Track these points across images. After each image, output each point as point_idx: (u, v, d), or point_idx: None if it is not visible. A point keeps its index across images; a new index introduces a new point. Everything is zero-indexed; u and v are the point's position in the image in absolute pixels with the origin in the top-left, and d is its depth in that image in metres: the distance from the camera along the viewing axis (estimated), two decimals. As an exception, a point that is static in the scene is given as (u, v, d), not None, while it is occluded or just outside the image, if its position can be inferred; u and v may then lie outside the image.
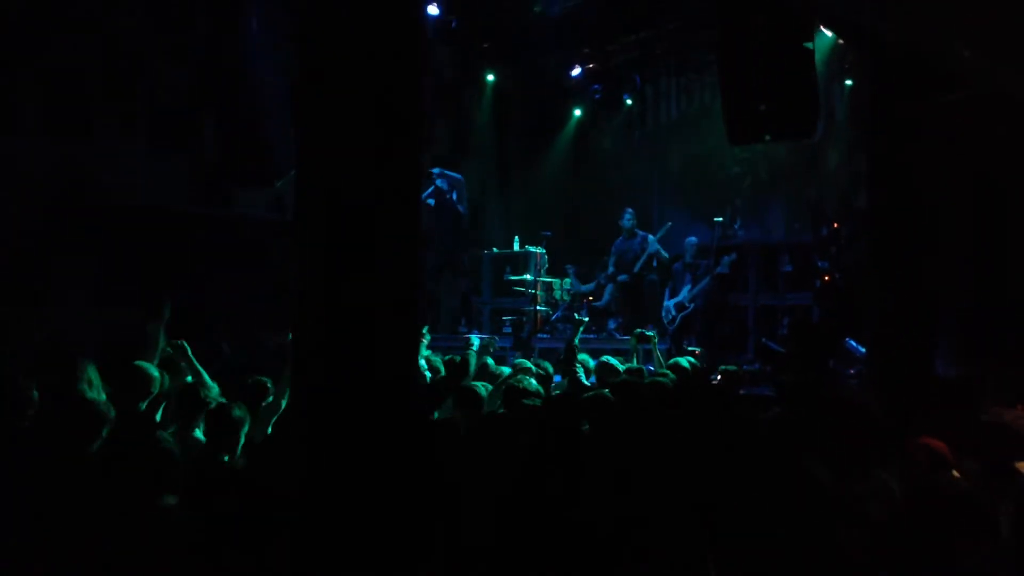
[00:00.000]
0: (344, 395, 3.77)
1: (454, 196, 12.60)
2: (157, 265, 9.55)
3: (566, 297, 13.03)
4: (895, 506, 3.84)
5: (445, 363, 7.27)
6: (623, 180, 15.57)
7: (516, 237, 13.63)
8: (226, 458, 4.42)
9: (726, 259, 12.00)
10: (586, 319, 9.63)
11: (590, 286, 13.24)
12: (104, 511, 3.45)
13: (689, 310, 12.01)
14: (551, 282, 13.04)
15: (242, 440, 4.64)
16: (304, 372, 4.01)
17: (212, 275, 9.81)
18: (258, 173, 10.83)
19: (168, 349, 5.71)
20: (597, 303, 12.74)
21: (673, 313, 12.09)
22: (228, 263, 10.09)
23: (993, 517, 3.52)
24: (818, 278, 12.33)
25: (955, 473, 4.18)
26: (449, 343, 10.68)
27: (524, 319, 12.50)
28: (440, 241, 12.71)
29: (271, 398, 5.53)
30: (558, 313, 12.80)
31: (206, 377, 5.45)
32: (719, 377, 7.35)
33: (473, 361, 7.13)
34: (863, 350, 9.98)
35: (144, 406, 4.94)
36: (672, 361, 7.58)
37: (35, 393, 4.44)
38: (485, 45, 14.19)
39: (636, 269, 12.32)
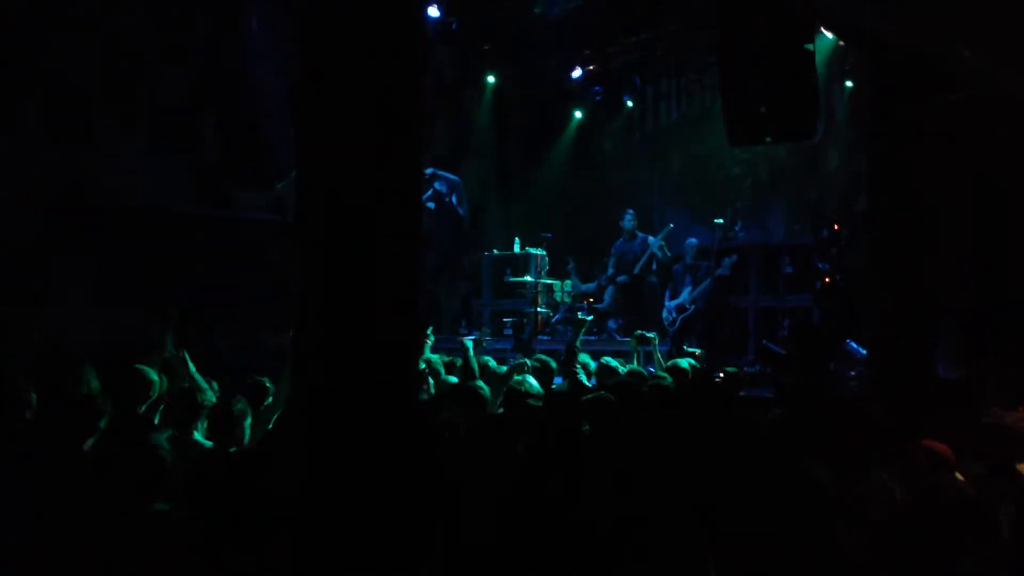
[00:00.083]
0: (344, 395, 3.77)
1: (453, 199, 12.60)
2: (157, 266, 9.57)
3: (566, 299, 13.02)
4: (895, 507, 3.84)
5: (446, 364, 7.27)
6: (623, 181, 15.57)
7: (516, 239, 13.62)
8: (233, 450, 4.42)
9: (727, 261, 12.00)
10: (589, 318, 9.61)
11: (591, 286, 13.23)
12: (103, 511, 3.44)
13: (690, 312, 12.01)
14: (551, 284, 13.03)
15: (248, 433, 4.64)
16: (304, 372, 4.01)
17: (212, 276, 9.81)
18: (258, 174, 10.83)
19: (172, 350, 5.72)
20: (598, 305, 12.73)
21: (674, 315, 12.09)
22: (228, 264, 10.09)
23: (994, 518, 3.52)
24: (819, 280, 12.33)
25: (957, 475, 4.18)
26: (450, 345, 10.66)
27: (525, 321, 12.49)
28: (440, 243, 12.71)
29: (271, 399, 5.53)
30: (559, 315, 12.80)
31: (202, 382, 5.45)
32: (721, 376, 7.35)
33: (474, 363, 7.11)
34: (864, 352, 9.98)
35: (143, 409, 4.94)
36: (671, 363, 7.57)
37: (33, 396, 4.45)
38: (485, 46, 14.18)
39: (636, 271, 12.32)
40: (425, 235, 11.27)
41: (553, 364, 7.23)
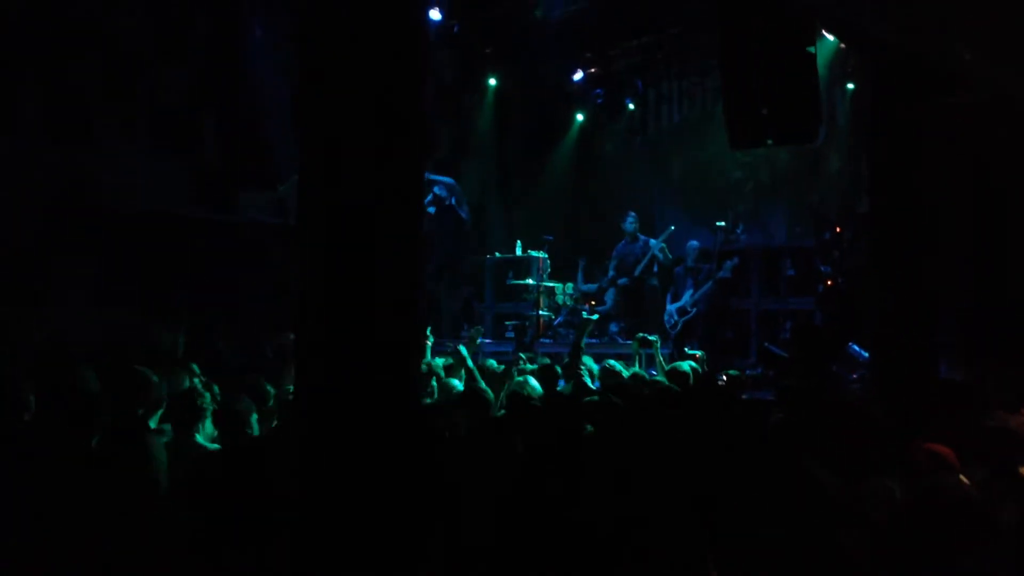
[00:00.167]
0: (344, 395, 3.77)
1: (453, 201, 12.59)
2: (157, 267, 9.58)
3: (568, 302, 13.02)
4: (895, 508, 3.83)
5: (448, 367, 7.27)
6: (625, 184, 15.59)
7: (518, 242, 13.63)
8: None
9: (728, 263, 12.01)
10: (595, 317, 9.59)
11: (591, 287, 13.22)
12: (103, 511, 3.44)
13: (691, 314, 12.01)
14: (553, 286, 13.03)
15: (256, 429, 4.64)
16: (305, 372, 4.01)
17: (211, 277, 9.82)
18: (259, 175, 10.84)
19: (181, 353, 5.74)
20: (600, 307, 12.72)
21: (675, 318, 12.08)
22: (228, 265, 10.10)
23: (995, 519, 3.51)
24: (820, 282, 12.33)
25: (962, 478, 4.17)
26: (451, 348, 10.66)
27: (527, 324, 12.49)
28: (441, 246, 12.71)
29: (271, 402, 5.54)
30: (560, 318, 12.79)
31: (200, 387, 5.45)
32: (724, 378, 7.34)
33: (472, 366, 7.11)
34: (866, 354, 9.97)
35: (142, 410, 4.94)
36: (672, 365, 7.57)
37: (32, 398, 4.45)
38: (487, 49, 14.19)
39: (636, 273, 12.31)
40: (426, 237, 11.28)
41: (558, 369, 7.24)
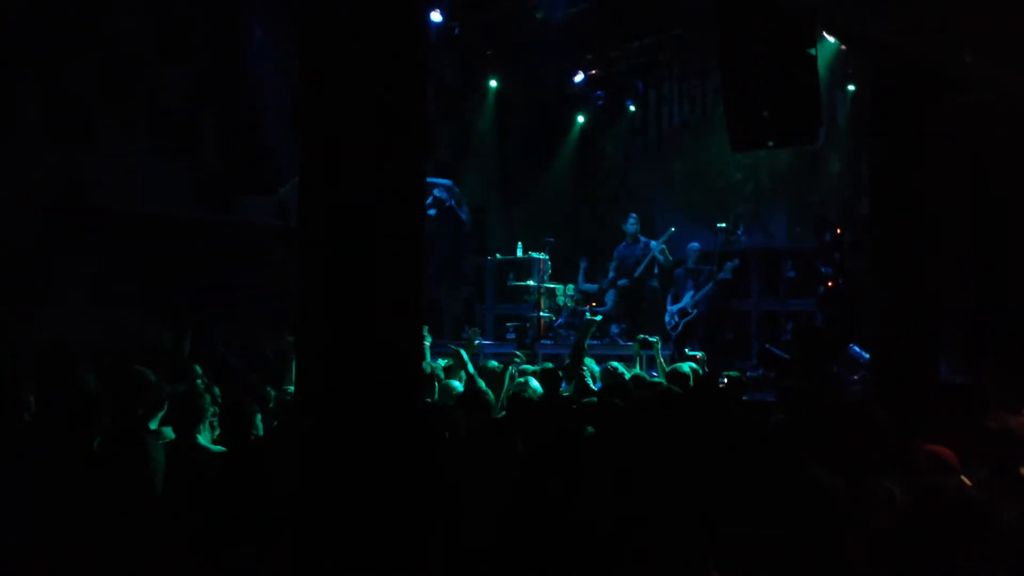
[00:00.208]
0: (345, 396, 3.76)
1: (452, 203, 12.60)
2: (157, 268, 9.59)
3: (569, 303, 13.02)
4: (896, 510, 3.83)
5: (447, 368, 7.27)
6: (626, 186, 15.61)
7: (519, 243, 13.64)
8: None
9: (729, 265, 12.01)
10: (598, 318, 9.58)
11: (592, 286, 13.22)
12: (103, 511, 3.44)
13: (692, 316, 12.01)
14: (554, 288, 13.04)
15: (260, 430, 4.65)
16: (306, 373, 4.01)
17: (212, 279, 9.83)
18: (259, 177, 10.84)
19: (186, 354, 5.74)
20: (601, 308, 12.72)
21: (676, 319, 12.08)
22: (228, 267, 10.11)
23: (996, 520, 3.51)
24: (821, 283, 12.33)
25: (963, 478, 4.16)
26: (453, 349, 10.65)
27: (527, 325, 12.50)
28: (442, 247, 12.71)
29: (272, 404, 5.53)
30: (561, 319, 12.79)
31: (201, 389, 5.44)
32: (725, 381, 7.34)
33: (472, 368, 7.11)
34: (866, 355, 9.96)
35: (142, 410, 4.94)
36: (672, 367, 7.57)
37: (32, 398, 4.45)
38: (488, 51, 14.21)
39: (636, 274, 12.30)
40: (426, 239, 11.27)
41: (559, 372, 7.24)
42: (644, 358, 8.71)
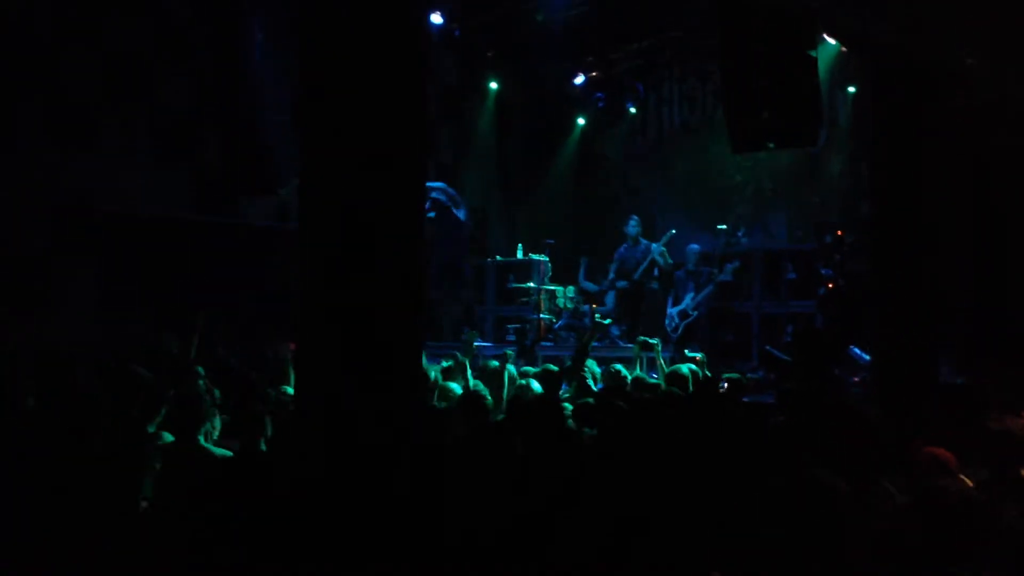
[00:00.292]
0: (345, 397, 3.77)
1: (449, 204, 12.58)
2: (158, 271, 9.59)
3: (569, 305, 13.01)
4: (897, 511, 3.83)
5: (444, 370, 7.26)
6: (626, 188, 15.61)
7: (519, 245, 13.63)
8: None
9: (729, 266, 11.99)
10: (608, 321, 9.56)
11: (592, 286, 13.20)
12: (103, 511, 3.44)
13: (692, 318, 11.99)
14: (555, 290, 13.03)
15: (269, 428, 4.65)
16: (306, 374, 4.02)
17: (212, 281, 9.82)
18: (260, 178, 10.84)
19: (193, 357, 5.73)
20: (601, 308, 12.70)
21: (676, 321, 12.07)
22: (229, 269, 10.11)
23: (996, 521, 3.51)
24: (821, 285, 12.30)
25: (964, 479, 4.17)
26: (451, 352, 10.65)
27: (528, 327, 12.50)
28: (442, 249, 12.70)
29: (271, 406, 5.52)
30: (562, 321, 12.79)
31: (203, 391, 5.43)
32: (725, 386, 7.33)
33: (471, 376, 7.11)
34: (867, 357, 9.95)
35: (141, 411, 4.94)
36: (672, 368, 7.56)
37: (32, 398, 4.45)
38: (488, 53, 14.22)
39: (636, 276, 12.28)
40: (427, 240, 11.26)
41: (556, 368, 7.23)
42: (644, 360, 8.69)
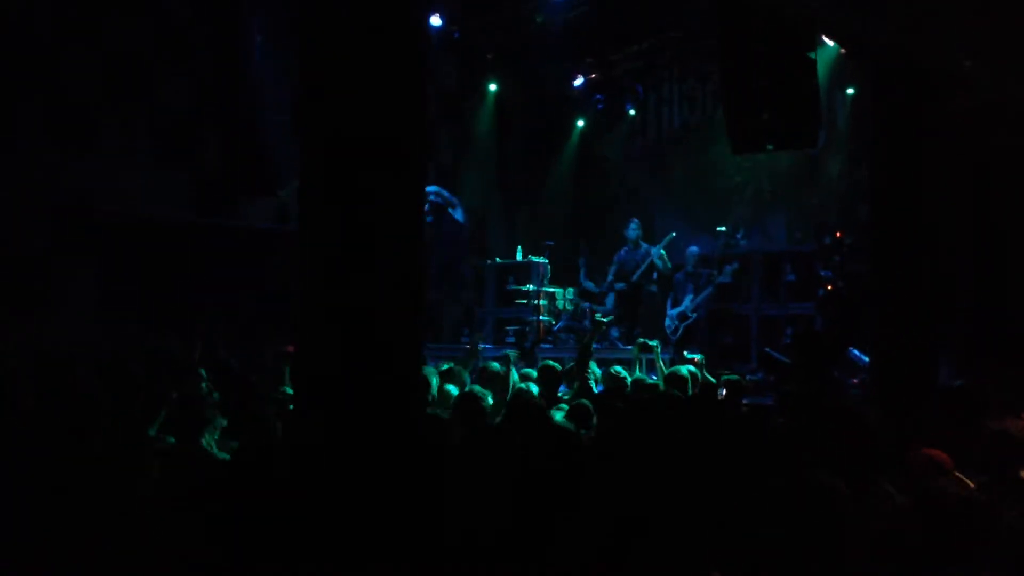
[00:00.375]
0: (345, 398, 3.77)
1: (445, 206, 12.58)
2: (158, 272, 9.59)
3: (568, 306, 13.01)
4: (896, 512, 3.83)
5: (443, 373, 7.26)
6: (625, 190, 15.62)
7: (519, 247, 13.64)
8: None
9: (728, 268, 12.00)
10: (608, 319, 9.55)
11: (593, 286, 13.20)
12: (103, 511, 3.44)
13: (692, 320, 11.99)
14: (554, 292, 13.03)
15: (269, 429, 4.65)
16: (305, 374, 4.02)
17: (212, 283, 9.83)
18: (260, 179, 10.84)
19: (197, 360, 5.74)
20: (601, 308, 12.71)
21: (676, 323, 12.07)
22: (229, 271, 10.11)
23: (996, 521, 3.51)
24: (821, 287, 12.31)
25: (964, 480, 4.17)
26: (451, 353, 10.65)
27: (527, 329, 12.50)
28: (441, 252, 12.70)
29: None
30: (561, 322, 12.79)
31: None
32: (724, 392, 7.33)
33: (515, 375, 7.12)
34: (866, 359, 9.96)
35: (141, 412, 4.94)
36: (671, 370, 7.56)
37: (32, 399, 4.46)
38: (488, 55, 14.23)
39: (634, 279, 12.27)
40: (426, 243, 11.24)
41: (557, 366, 7.24)
42: (644, 362, 8.70)
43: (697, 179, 14.87)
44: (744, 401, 7.26)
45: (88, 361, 5.59)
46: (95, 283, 9.44)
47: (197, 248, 10.19)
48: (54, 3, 9.40)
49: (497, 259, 13.79)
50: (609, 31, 13.26)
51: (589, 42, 13.61)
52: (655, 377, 8.22)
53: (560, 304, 13.01)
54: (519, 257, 13.44)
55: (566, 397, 6.79)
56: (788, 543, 3.42)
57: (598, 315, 10.86)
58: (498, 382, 6.73)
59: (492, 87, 14.58)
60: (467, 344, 8.22)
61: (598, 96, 14.95)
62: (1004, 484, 4.23)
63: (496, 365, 7.11)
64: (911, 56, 7.85)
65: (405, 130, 4.10)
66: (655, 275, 12.32)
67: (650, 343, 8.63)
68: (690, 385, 7.00)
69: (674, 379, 7.02)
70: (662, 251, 12.23)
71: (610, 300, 12.70)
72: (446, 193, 12.54)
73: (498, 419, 5.77)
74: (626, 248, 12.59)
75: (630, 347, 9.72)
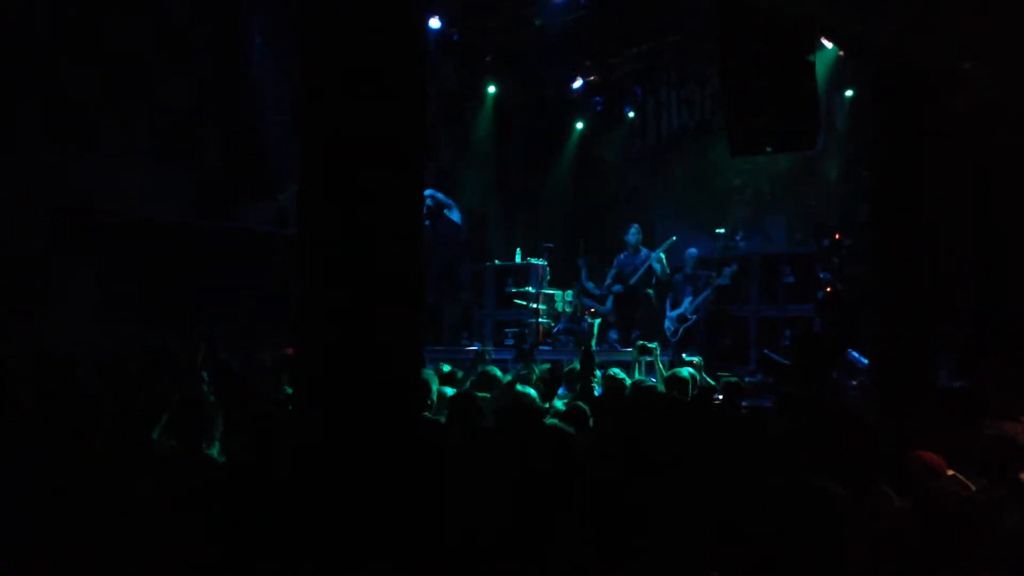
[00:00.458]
0: (344, 398, 3.77)
1: (444, 211, 12.57)
2: (157, 274, 9.60)
3: (568, 308, 13.01)
4: (895, 514, 3.83)
5: (443, 376, 7.26)
6: (624, 192, 15.64)
7: (518, 249, 13.64)
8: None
9: (727, 270, 11.99)
10: (598, 321, 9.57)
11: (594, 287, 13.19)
12: (103, 511, 3.44)
13: (691, 322, 11.99)
14: (553, 294, 13.03)
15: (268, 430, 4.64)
16: (305, 375, 4.02)
17: (212, 285, 9.84)
18: (259, 182, 10.85)
19: (199, 363, 5.75)
20: (602, 309, 12.70)
21: (675, 325, 12.07)
22: (228, 274, 10.12)
23: (995, 521, 3.51)
24: (820, 289, 12.32)
25: (964, 480, 4.17)
26: (451, 355, 10.66)
27: (526, 331, 12.49)
28: (439, 254, 12.69)
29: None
30: (560, 325, 12.78)
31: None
32: (721, 397, 7.33)
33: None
34: (865, 361, 9.96)
35: (142, 412, 4.93)
36: (670, 372, 7.56)
37: (31, 399, 4.46)
38: (487, 57, 14.23)
39: (632, 282, 12.25)
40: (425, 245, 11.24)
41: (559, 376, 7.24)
42: (643, 364, 8.70)
43: (696, 181, 14.87)
44: (743, 403, 7.26)
45: (88, 361, 5.60)
46: (95, 283, 9.45)
47: (197, 248, 10.20)
48: (54, 3, 9.41)
49: (496, 261, 13.78)
50: (608, 34, 13.28)
51: (588, 44, 13.62)
52: (654, 379, 8.22)
53: (559, 306, 13.01)
54: (518, 259, 13.43)
55: (566, 399, 6.79)
56: (787, 544, 3.42)
57: (588, 318, 10.89)
58: (496, 385, 6.72)
59: (491, 89, 14.59)
60: (467, 347, 8.22)
61: (597, 98, 14.96)
62: (1004, 487, 4.24)
63: (495, 369, 7.11)
64: (911, 57, 7.86)
65: (405, 131, 4.10)
66: (653, 279, 12.31)
67: (649, 345, 8.63)
68: (690, 387, 7.00)
69: (674, 381, 7.01)
70: (661, 255, 12.21)
71: (610, 303, 12.70)
72: (440, 195, 12.52)
73: (496, 421, 5.76)
74: (626, 252, 12.58)
75: (629, 349, 9.72)
